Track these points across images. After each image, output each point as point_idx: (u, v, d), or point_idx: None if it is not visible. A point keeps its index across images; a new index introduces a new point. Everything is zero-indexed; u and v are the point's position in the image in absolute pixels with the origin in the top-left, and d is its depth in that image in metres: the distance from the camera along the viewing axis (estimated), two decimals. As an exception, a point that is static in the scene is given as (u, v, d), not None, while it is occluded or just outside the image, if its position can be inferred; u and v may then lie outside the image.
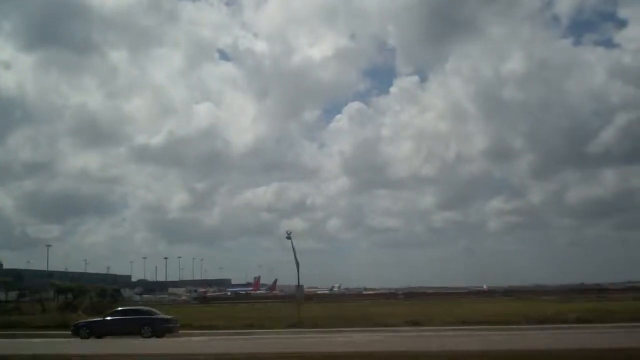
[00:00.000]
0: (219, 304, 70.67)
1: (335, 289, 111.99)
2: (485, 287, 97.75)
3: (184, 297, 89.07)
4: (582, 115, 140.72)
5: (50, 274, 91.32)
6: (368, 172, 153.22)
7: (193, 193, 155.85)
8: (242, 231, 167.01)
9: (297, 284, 37.89)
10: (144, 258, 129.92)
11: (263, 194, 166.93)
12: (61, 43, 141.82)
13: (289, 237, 34.31)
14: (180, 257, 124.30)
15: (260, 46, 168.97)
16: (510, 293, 76.09)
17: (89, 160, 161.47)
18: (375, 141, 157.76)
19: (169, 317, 28.92)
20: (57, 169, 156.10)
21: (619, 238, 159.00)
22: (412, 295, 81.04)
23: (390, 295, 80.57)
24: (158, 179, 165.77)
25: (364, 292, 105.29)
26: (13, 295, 68.53)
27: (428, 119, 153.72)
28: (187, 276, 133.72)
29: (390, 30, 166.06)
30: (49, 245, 54.95)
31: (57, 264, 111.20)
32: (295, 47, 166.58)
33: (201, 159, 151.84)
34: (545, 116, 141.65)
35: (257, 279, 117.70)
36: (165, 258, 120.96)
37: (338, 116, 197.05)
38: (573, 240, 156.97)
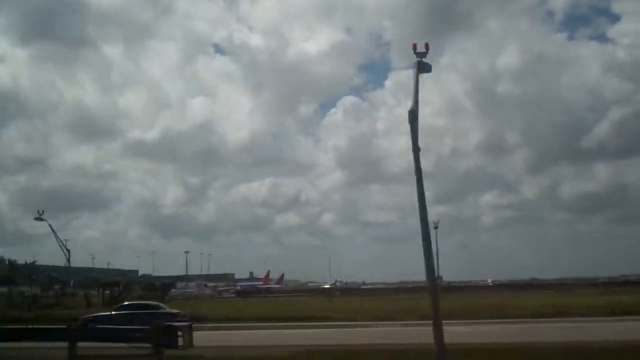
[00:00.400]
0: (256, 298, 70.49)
1: (338, 283, 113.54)
2: (489, 281, 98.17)
3: (206, 291, 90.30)
4: (576, 110, 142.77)
5: (54, 269, 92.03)
6: (362, 166, 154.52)
7: (187, 188, 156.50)
8: (236, 226, 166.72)
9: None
10: (153, 253, 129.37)
11: (258, 189, 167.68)
12: (56, 37, 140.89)
13: None
14: (187, 252, 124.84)
15: (256, 40, 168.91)
16: (548, 286, 75.48)
17: (83, 155, 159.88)
18: (370, 135, 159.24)
19: (176, 311, 28.78)
20: (51, 164, 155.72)
21: (613, 232, 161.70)
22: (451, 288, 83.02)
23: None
24: (152, 174, 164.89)
25: (362, 287, 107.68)
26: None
27: (423, 113, 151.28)
28: (188, 271, 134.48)
29: (386, 24, 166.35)
30: (66, 240, 53.80)
31: (55, 260, 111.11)
32: (291, 41, 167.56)
33: (196, 154, 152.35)
34: (539, 111, 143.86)
35: (267, 273, 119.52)
36: (163, 253, 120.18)
37: (332, 110, 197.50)
38: (567, 235, 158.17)
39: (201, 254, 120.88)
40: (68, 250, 55.20)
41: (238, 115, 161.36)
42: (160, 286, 54.72)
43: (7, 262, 68.36)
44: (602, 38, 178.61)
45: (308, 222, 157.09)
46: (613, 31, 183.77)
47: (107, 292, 55.09)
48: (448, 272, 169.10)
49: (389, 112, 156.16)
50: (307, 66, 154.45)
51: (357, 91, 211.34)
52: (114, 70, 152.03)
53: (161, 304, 31.94)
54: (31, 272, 67.78)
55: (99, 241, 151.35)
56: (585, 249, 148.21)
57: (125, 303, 31.61)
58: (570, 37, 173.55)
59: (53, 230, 54.10)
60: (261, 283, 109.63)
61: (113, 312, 27.73)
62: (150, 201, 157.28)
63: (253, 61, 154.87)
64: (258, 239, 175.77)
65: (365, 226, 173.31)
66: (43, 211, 51.83)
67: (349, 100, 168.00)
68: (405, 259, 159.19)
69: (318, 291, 78.90)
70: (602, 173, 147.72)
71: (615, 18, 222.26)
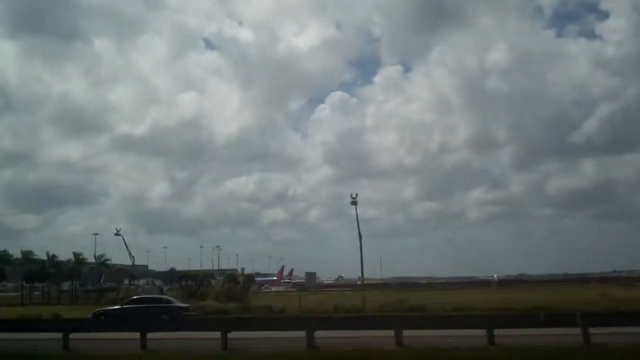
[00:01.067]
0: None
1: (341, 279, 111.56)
2: (495, 277, 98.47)
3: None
4: (563, 106, 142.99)
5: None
6: (350, 162, 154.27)
7: (175, 183, 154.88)
8: (223, 221, 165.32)
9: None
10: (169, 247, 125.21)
11: (245, 184, 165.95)
12: (45, 31, 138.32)
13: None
14: (202, 247, 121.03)
15: (246, 35, 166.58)
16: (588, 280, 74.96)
17: (70, 149, 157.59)
18: (358, 131, 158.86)
19: (185, 305, 29.94)
20: (38, 158, 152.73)
21: (599, 228, 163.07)
22: (505, 283, 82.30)
23: (484, 283, 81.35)
24: (140, 169, 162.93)
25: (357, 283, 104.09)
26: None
27: (411, 109, 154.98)
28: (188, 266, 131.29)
29: (376, 20, 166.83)
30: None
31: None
32: (280, 36, 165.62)
33: (184, 149, 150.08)
34: (527, 107, 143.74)
35: (281, 268, 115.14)
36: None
37: (321, 106, 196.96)
38: (554, 230, 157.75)
39: (213, 248, 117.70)
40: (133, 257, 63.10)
41: (227, 110, 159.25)
42: (247, 278, 49.85)
43: (48, 257, 64.99)
44: (590, 35, 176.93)
45: (295, 217, 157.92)
46: (601, 28, 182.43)
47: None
48: (433, 268, 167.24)
49: (377, 108, 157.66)
50: (297, 61, 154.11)
51: (346, 87, 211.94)
52: (104, 64, 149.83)
53: (171, 298, 32.64)
54: (75, 267, 66.15)
55: (84, 236, 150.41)
56: (571, 245, 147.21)
57: (135, 297, 33.02)
58: (559, 34, 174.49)
59: (124, 240, 62.69)
60: (275, 279, 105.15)
61: (124, 306, 28.71)
62: (137, 196, 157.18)
63: (243, 56, 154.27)
64: (244, 234, 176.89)
65: (351, 222, 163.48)
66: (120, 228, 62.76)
67: (337, 95, 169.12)
68: (392, 255, 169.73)
69: (372, 286, 76.07)
70: (589, 169, 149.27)
71: (603, 15, 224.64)
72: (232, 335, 18.11)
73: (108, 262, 67.43)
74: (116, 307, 29.50)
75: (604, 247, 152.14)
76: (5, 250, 65.98)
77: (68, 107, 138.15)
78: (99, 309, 30.87)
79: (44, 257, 65.27)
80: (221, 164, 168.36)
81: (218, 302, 44.33)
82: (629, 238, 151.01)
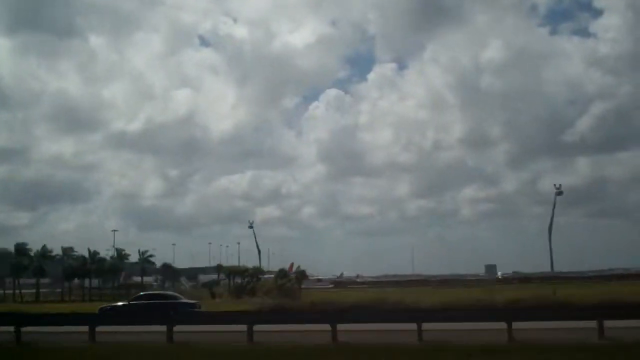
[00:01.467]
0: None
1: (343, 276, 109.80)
2: (499, 274, 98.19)
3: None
4: (557, 104, 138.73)
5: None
6: (344, 159, 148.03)
7: (168, 180, 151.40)
8: (216, 219, 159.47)
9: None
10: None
11: (239, 181, 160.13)
12: (40, 27, 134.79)
13: None
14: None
15: (240, 32, 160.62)
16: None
17: (64, 146, 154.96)
18: (352, 129, 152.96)
19: (193, 301, 29.98)
20: (31, 155, 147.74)
21: (593, 226, 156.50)
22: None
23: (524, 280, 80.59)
24: (134, 166, 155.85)
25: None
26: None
27: (406, 107, 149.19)
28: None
29: (371, 17, 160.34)
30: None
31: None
32: (275, 34, 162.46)
33: (178, 146, 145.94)
34: (521, 105, 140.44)
35: (291, 265, 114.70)
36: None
37: (315, 103, 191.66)
38: (546, 228, 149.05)
39: (220, 245, 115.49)
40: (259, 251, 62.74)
41: (221, 108, 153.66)
42: (299, 274, 49.44)
43: (90, 253, 64.98)
44: (584, 33, 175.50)
45: (288, 215, 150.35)
46: (595, 26, 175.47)
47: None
48: (426, 265, 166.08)
49: (372, 106, 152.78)
50: (292, 59, 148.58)
51: (340, 84, 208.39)
52: (99, 60, 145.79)
53: (178, 294, 32.58)
54: (116, 263, 65.71)
55: (77, 233, 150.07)
56: (565, 242, 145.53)
57: (142, 293, 32.83)
58: (553, 32, 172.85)
59: (255, 235, 63.07)
60: None
61: (130, 302, 28.64)
62: (130, 193, 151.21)
63: (237, 53, 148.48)
64: (236, 232, 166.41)
65: (345, 219, 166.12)
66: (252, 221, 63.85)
67: (332, 93, 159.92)
68: (384, 253, 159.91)
69: (402, 283, 76.80)
70: (583, 167, 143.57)
71: (597, 13, 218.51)
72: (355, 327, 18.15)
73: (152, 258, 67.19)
74: (123, 303, 29.53)
75: (597, 245, 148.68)
76: (45, 246, 66.11)
77: (62, 103, 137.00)
78: (105, 305, 31.19)
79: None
80: (215, 162, 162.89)
81: (270, 298, 43.93)
82: (622, 236, 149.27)
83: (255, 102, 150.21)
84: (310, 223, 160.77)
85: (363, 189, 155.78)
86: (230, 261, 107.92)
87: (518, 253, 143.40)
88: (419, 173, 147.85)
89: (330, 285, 79.56)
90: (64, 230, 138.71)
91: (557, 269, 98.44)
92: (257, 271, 51.41)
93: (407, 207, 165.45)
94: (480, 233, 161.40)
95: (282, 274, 48.76)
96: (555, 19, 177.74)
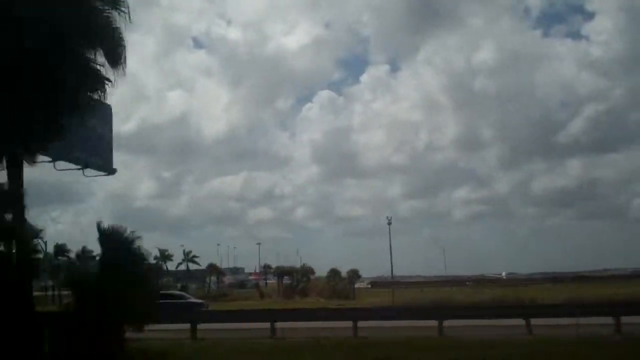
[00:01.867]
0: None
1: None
2: (503, 274, 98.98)
3: None
4: (550, 106, 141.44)
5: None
6: (337, 161, 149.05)
7: (161, 181, 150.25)
8: (209, 220, 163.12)
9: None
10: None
11: (232, 182, 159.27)
12: None
13: None
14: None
15: (234, 34, 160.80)
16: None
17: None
18: (345, 130, 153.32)
19: (200, 301, 30.82)
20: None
21: (585, 227, 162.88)
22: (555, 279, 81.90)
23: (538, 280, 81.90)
24: (127, 167, 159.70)
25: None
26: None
27: (399, 109, 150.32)
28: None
29: (365, 19, 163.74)
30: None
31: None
32: (269, 36, 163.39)
33: (172, 147, 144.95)
34: (514, 107, 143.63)
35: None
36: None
37: (309, 105, 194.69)
38: (539, 229, 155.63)
39: (227, 246, 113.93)
40: None
41: (214, 109, 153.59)
42: (352, 273, 47.27)
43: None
44: (576, 35, 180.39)
45: (282, 216, 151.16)
46: (587, 29, 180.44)
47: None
48: (419, 266, 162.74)
49: (365, 107, 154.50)
50: (285, 60, 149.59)
51: (334, 86, 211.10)
52: None
53: (185, 294, 33.06)
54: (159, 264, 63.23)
55: (70, 234, 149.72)
56: (557, 243, 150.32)
57: None
58: (546, 34, 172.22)
59: None
60: None
61: None
62: (123, 194, 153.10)
63: (231, 55, 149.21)
64: (229, 233, 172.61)
65: (338, 220, 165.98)
66: None
67: (325, 94, 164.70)
68: (375, 253, 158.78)
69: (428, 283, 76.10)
70: (574, 169, 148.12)
71: (589, 16, 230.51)
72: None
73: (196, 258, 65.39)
74: None
75: (589, 246, 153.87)
76: (85, 246, 64.98)
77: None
78: None
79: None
80: (209, 163, 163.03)
81: (324, 299, 41.83)
82: (614, 237, 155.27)
83: (249, 103, 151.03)
84: (303, 224, 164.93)
85: (356, 190, 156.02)
86: (225, 263, 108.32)
87: (511, 254, 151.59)
88: (412, 174, 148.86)
89: (369, 286, 77.81)
90: (56, 231, 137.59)
91: (550, 269, 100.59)
92: (308, 271, 49.06)
93: (400, 208, 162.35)
94: (472, 234, 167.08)
95: (334, 273, 46.53)
96: (547, 21, 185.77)
